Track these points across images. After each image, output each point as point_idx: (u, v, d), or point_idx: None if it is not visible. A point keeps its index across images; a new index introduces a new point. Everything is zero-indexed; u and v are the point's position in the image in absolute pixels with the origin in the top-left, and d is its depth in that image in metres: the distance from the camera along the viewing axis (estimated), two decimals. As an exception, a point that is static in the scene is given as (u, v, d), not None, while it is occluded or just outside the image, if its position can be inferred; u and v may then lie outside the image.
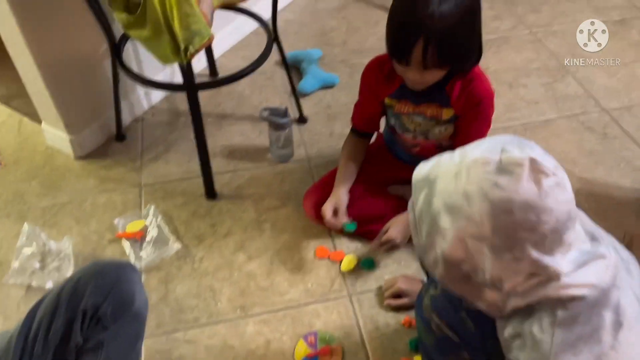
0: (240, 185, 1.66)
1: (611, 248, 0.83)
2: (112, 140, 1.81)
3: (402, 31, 1.16)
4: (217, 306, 1.37)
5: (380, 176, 1.55)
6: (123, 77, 1.61)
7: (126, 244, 1.49)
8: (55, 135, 1.74)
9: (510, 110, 1.86)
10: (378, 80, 1.39)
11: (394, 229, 1.39)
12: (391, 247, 1.40)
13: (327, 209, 1.42)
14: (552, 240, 0.74)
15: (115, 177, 1.69)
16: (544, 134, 1.79)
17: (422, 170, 0.83)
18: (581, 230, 0.82)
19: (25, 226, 1.47)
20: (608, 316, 0.80)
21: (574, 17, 2.27)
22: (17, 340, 0.94)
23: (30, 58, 1.48)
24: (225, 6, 1.39)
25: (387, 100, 1.41)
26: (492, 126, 1.38)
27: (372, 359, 1.26)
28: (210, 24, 1.17)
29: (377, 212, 1.48)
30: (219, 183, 1.64)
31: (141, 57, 1.76)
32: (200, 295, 1.39)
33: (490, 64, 2.06)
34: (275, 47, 1.68)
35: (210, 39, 1.14)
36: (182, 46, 1.13)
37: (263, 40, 1.65)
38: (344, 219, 1.43)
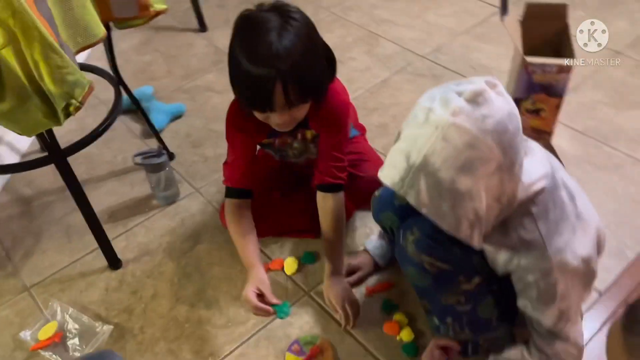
0: (141, 243, 1.53)
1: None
2: (-37, 257, 1.51)
3: (256, 81, 1.07)
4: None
5: (281, 184, 1.54)
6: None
7: (47, 354, 1.27)
8: None
9: (352, 83, 2.00)
10: (248, 129, 1.29)
11: (334, 298, 1.30)
12: (352, 312, 1.28)
13: (251, 295, 1.28)
14: (522, 139, 0.85)
15: (-10, 292, 1.43)
16: (388, 92, 1.97)
17: (396, 170, 0.84)
18: None
19: None
20: (563, 194, 0.95)
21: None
22: None
23: None
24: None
25: (265, 141, 1.37)
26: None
27: (359, 338, 1.28)
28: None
29: (295, 216, 1.49)
30: (116, 249, 1.48)
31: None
32: (163, 362, 1.26)
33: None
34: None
35: (92, 87, 1.03)
36: (61, 104, 1.00)
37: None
38: (273, 300, 1.30)
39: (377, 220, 1.25)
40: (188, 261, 1.47)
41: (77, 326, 1.31)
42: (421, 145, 0.80)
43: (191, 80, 2.10)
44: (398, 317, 1.30)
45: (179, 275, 1.44)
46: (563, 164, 1.06)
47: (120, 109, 1.44)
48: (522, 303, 0.98)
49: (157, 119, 1.86)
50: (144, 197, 1.66)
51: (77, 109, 1.01)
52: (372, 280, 1.39)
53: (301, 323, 1.31)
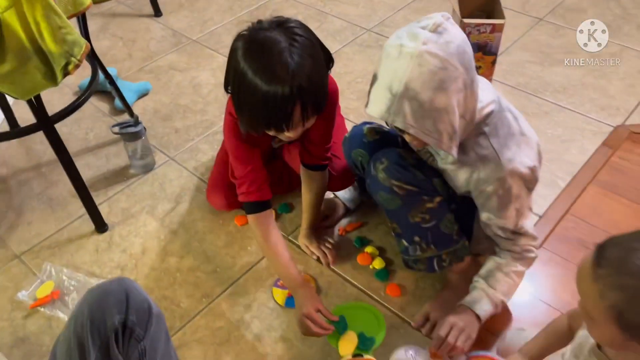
0: (124, 207, 1.62)
1: None
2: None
3: (276, 103, 1.04)
4: (182, 308, 1.36)
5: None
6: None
7: (47, 311, 1.35)
8: None
9: (307, 55, 2.16)
10: (253, 140, 1.27)
11: (310, 244, 1.44)
12: (328, 251, 1.43)
13: (315, 315, 1.20)
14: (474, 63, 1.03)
15: (-20, 263, 1.49)
16: (340, 62, 2.13)
17: (381, 102, 0.97)
18: None
19: None
20: (509, 115, 1.13)
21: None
22: None
23: None
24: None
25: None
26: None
27: (337, 270, 1.43)
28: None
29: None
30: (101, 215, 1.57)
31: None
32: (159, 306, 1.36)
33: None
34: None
35: (88, 46, 1.13)
36: (61, 63, 1.09)
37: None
38: (332, 317, 1.24)
39: (349, 158, 1.40)
40: (172, 219, 1.58)
41: (73, 282, 1.40)
42: (401, 75, 0.95)
43: (153, 61, 2.19)
44: (369, 249, 1.46)
45: (165, 232, 1.54)
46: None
47: (98, 79, 1.52)
48: (486, 216, 1.16)
49: (125, 97, 1.94)
50: (120, 168, 1.74)
51: (76, 66, 1.10)
52: (344, 222, 1.55)
53: (283, 263, 1.45)
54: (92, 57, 1.61)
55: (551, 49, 2.12)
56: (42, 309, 1.36)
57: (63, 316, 1.34)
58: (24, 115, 1.76)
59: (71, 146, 1.82)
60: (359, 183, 1.54)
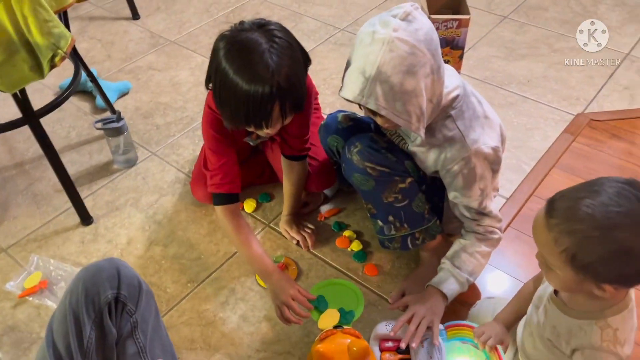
0: (108, 201, 1.66)
1: None
2: None
3: (256, 101, 1.10)
4: (168, 293, 1.41)
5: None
6: None
7: (36, 300, 1.39)
8: None
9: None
10: (228, 134, 1.33)
11: (290, 230, 1.50)
12: (308, 235, 1.50)
13: (290, 303, 1.25)
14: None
15: (-33, 257, 1.51)
16: (315, 60, 2.17)
17: (355, 85, 1.03)
18: None
19: None
20: (473, 99, 1.22)
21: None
22: None
23: None
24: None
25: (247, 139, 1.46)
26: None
27: (317, 253, 1.49)
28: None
29: (253, 181, 1.66)
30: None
31: None
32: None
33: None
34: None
35: (73, 39, 1.18)
36: (48, 55, 1.14)
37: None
38: (310, 296, 1.29)
39: (325, 144, 1.47)
40: (156, 211, 1.63)
41: (61, 272, 1.44)
42: (373, 60, 1.02)
43: (132, 62, 2.24)
44: (347, 233, 1.53)
45: (149, 223, 1.59)
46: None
47: (81, 76, 1.57)
48: (453, 195, 1.24)
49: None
50: (103, 163, 1.79)
51: (63, 58, 1.15)
52: (322, 209, 1.62)
53: (266, 248, 1.51)
54: (74, 55, 1.65)
55: (515, 44, 2.23)
56: (30, 299, 1.40)
57: (51, 304, 1.38)
58: (3, 115, 1.79)
59: (54, 144, 1.84)
60: (337, 172, 1.61)
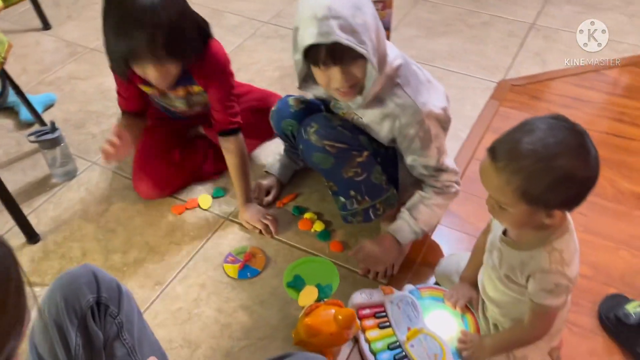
0: (53, 216, 1.58)
1: None
2: None
3: (125, 29, 1.18)
4: (137, 298, 1.36)
5: (179, 141, 1.67)
6: None
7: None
8: None
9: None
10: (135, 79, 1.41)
11: (250, 219, 1.53)
12: (270, 223, 1.52)
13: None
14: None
15: None
16: (245, 54, 2.20)
17: (311, 30, 1.06)
18: None
19: None
20: (414, 67, 1.29)
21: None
22: None
23: None
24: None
25: (142, 87, 1.48)
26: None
27: (281, 238, 1.51)
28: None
29: (198, 167, 1.67)
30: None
31: None
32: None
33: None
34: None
35: (10, 44, 1.12)
36: (-15, 62, 1.08)
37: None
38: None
39: (279, 129, 1.48)
40: (107, 219, 1.57)
41: (16, 295, 1.35)
42: (322, 2, 1.05)
43: (51, 74, 2.13)
44: (308, 215, 1.56)
45: (103, 232, 1.54)
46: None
47: (8, 92, 1.48)
48: (411, 158, 1.29)
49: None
50: (40, 179, 1.70)
51: (1, 64, 1.09)
52: (280, 196, 1.63)
53: (229, 241, 1.51)
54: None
55: (433, 23, 2.36)
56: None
57: None
58: None
59: (-21, 165, 1.75)
60: (287, 157, 1.64)
